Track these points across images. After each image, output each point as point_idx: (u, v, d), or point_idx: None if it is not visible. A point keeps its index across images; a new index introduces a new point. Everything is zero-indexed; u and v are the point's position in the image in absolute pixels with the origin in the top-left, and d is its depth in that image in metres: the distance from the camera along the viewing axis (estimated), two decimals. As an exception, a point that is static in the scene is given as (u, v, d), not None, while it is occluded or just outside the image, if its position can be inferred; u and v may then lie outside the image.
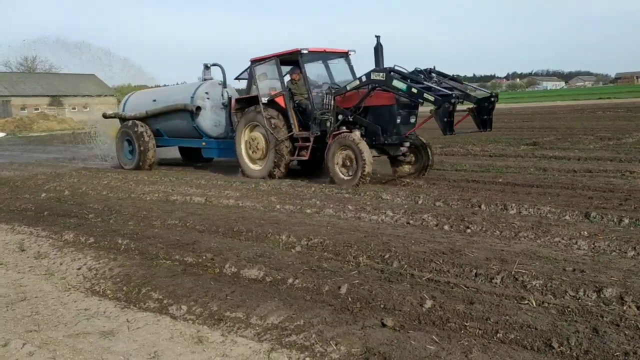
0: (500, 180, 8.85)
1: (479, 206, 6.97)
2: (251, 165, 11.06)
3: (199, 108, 12.55)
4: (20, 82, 66.10)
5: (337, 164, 9.20)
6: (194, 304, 4.18)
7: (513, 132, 18.11)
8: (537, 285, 4.10)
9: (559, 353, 3.14)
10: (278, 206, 7.73)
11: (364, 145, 8.82)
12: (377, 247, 5.25)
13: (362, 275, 4.55)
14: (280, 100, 10.42)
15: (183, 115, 12.95)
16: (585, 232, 5.46)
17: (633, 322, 3.42)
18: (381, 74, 8.74)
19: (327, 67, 11.26)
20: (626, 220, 5.87)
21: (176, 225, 6.91)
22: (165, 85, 16.15)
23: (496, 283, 4.24)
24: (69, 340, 3.65)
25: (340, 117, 9.55)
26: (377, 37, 9.47)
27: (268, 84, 10.95)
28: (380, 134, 9.16)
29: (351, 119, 9.44)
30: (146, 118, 13.76)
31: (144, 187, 10.24)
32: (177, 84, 15.53)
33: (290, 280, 4.53)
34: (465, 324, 3.53)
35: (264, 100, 10.44)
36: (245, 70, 11.65)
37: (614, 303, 3.74)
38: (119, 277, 4.91)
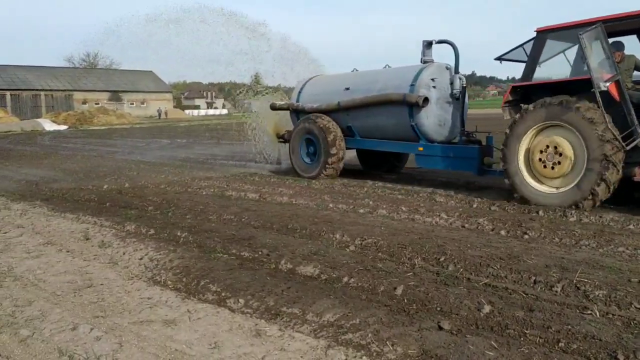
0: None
1: (537, 212, 6.81)
2: (535, 185, 7.35)
3: (426, 100, 9.01)
4: (82, 77, 69.07)
5: None
6: (251, 297, 4.27)
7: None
8: (601, 295, 3.97)
9: (624, 366, 3.05)
10: (331, 205, 7.77)
11: None
12: (432, 249, 5.21)
13: (418, 277, 4.54)
14: (612, 90, 6.83)
15: (395, 110, 9.47)
16: (652, 243, 5.25)
17: None
18: None
19: None
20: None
21: (232, 220, 7.06)
22: (355, 70, 11.47)
23: (556, 291, 4.14)
24: (133, 327, 3.80)
25: None
26: None
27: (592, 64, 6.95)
28: None
29: None
30: (336, 111, 10.53)
31: (200, 182, 10.51)
32: (386, 66, 10.86)
33: (345, 279, 4.56)
34: (525, 331, 3.47)
35: (603, 87, 6.69)
36: (520, 45, 8.21)
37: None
38: (178, 269, 5.07)
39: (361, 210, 7.35)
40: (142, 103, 73.16)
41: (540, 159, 7.24)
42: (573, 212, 6.61)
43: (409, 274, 4.63)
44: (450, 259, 4.91)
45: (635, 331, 3.42)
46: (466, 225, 6.32)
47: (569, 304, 3.90)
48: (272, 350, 3.38)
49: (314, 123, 10.47)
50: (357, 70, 11.29)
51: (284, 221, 6.70)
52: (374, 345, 3.39)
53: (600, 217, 6.36)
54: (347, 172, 10.92)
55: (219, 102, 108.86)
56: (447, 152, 9.14)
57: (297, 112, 11.51)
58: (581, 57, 7.23)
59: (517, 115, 7.50)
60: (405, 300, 4.07)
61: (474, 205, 7.41)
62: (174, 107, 77.07)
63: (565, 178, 7.10)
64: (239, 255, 5.47)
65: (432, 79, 9.21)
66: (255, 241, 5.84)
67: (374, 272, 4.68)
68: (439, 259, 4.98)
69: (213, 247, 5.75)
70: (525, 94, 7.81)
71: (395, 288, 4.27)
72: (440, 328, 3.58)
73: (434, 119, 9.25)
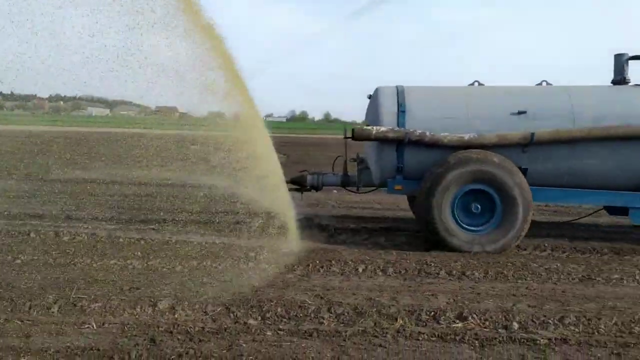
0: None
1: (28, 234, 6.52)
2: None
3: None
4: None
5: None
6: None
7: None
8: (97, 307, 4.16)
9: (121, 368, 3.29)
10: None
11: None
12: None
13: None
14: None
15: None
16: (139, 253, 5.85)
17: (183, 327, 3.89)
18: None
19: None
20: (174, 239, 6.55)
21: None
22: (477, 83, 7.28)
23: (54, 312, 4.09)
24: None
25: None
26: None
27: None
28: None
29: None
30: (508, 147, 6.59)
31: None
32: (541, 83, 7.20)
33: None
34: (22, 358, 3.29)
35: None
36: None
37: (167, 313, 4.15)
38: None
39: None
40: None
41: None
42: (65, 230, 6.65)
43: None
44: None
45: (129, 334, 3.74)
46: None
47: (68, 322, 3.92)
48: None
49: (497, 166, 6.41)
50: (480, 84, 7.38)
51: None
52: None
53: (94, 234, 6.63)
54: None
55: None
56: None
57: (403, 145, 6.75)
58: None
59: None
60: None
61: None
62: None
63: None
64: None
65: None
66: None
67: None
68: None
69: None
70: None
71: None
72: None
73: None
